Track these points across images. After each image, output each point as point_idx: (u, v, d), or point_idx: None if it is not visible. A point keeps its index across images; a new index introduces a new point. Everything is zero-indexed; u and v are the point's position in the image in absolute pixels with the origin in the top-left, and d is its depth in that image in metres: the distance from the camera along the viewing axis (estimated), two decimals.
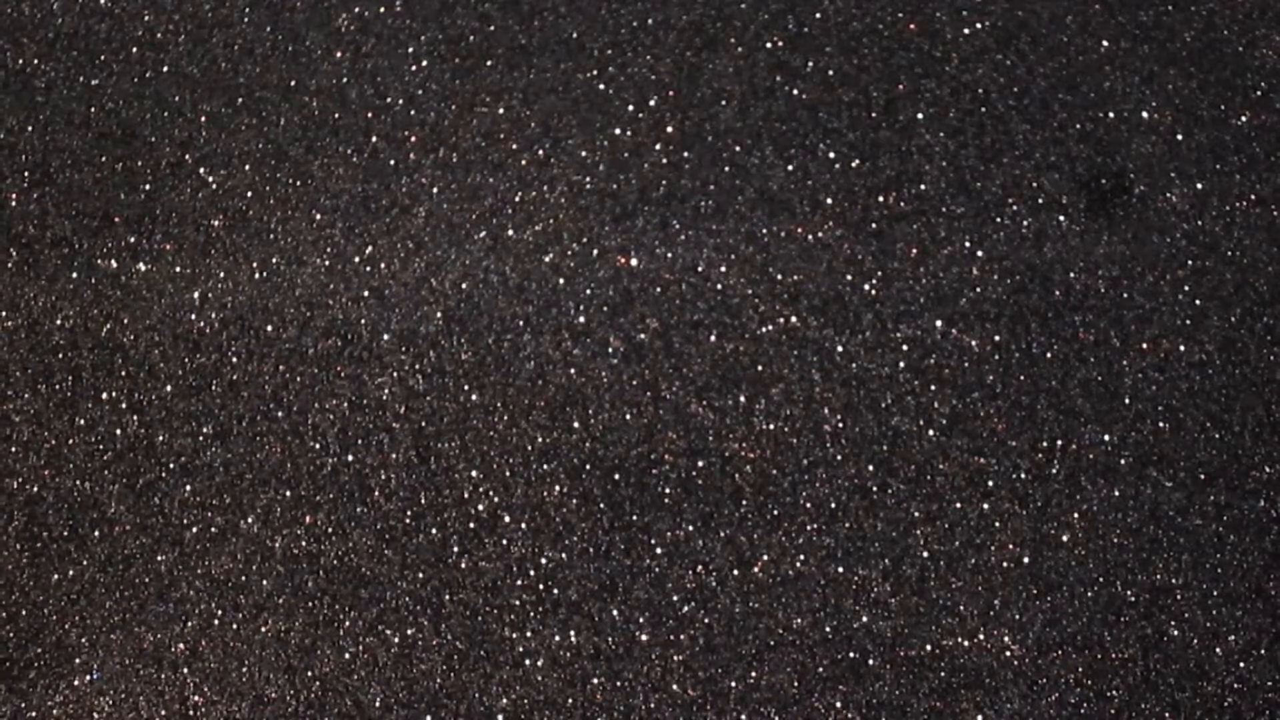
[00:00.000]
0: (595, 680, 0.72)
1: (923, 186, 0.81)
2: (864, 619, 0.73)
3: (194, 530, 0.75)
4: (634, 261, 0.80)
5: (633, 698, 0.72)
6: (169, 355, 0.78)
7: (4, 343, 0.79)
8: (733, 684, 0.72)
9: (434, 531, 0.75)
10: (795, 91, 0.84)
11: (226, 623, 0.74)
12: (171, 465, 0.76)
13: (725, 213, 0.81)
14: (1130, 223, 0.81)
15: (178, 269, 0.81)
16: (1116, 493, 0.75)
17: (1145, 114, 0.83)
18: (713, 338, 0.78)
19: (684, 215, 0.81)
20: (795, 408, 0.77)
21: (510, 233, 0.81)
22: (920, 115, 0.83)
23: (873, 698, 0.72)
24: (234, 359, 0.78)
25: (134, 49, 0.85)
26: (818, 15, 0.85)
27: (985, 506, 0.75)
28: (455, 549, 0.75)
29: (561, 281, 0.80)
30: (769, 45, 0.85)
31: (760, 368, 0.78)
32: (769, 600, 0.73)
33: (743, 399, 0.77)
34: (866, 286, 0.76)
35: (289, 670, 0.73)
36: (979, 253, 0.80)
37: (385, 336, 0.79)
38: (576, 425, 0.77)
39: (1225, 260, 0.80)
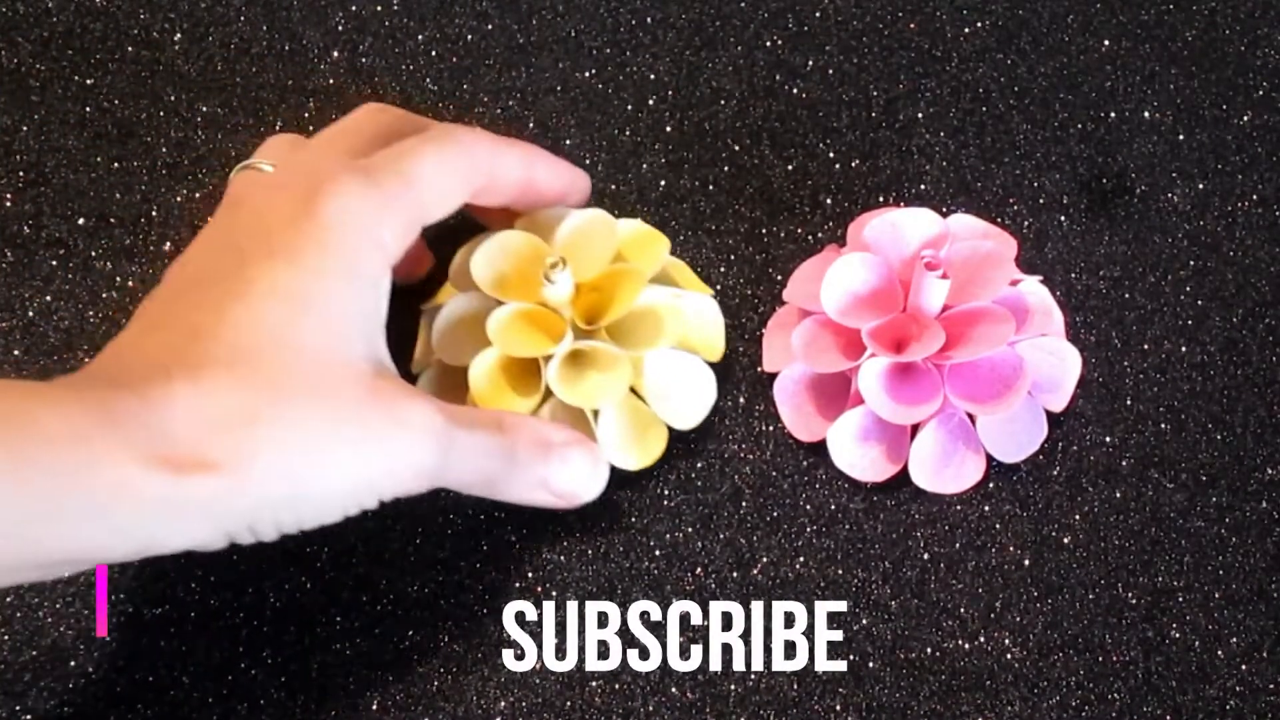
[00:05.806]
0: (594, 683, 0.72)
1: (923, 186, 0.81)
2: (864, 620, 0.73)
3: None
4: None
5: (631, 700, 0.72)
6: None
7: None
8: (732, 686, 0.72)
9: (432, 532, 0.75)
10: (795, 91, 0.84)
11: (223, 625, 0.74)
12: None
13: (725, 213, 0.81)
14: (1130, 223, 0.81)
15: None
16: (1117, 494, 0.75)
17: (1146, 114, 0.83)
18: None
19: (684, 215, 0.81)
20: None
21: None
22: (920, 115, 0.83)
23: (873, 699, 0.72)
24: None
25: (130, 48, 0.85)
26: (818, 15, 0.86)
27: (986, 508, 0.75)
28: (454, 549, 0.75)
29: None
30: (769, 45, 0.85)
31: (760, 367, 0.78)
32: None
33: (742, 399, 0.77)
34: None
35: (286, 672, 0.73)
36: None
37: None
38: None
39: (1226, 260, 0.80)
